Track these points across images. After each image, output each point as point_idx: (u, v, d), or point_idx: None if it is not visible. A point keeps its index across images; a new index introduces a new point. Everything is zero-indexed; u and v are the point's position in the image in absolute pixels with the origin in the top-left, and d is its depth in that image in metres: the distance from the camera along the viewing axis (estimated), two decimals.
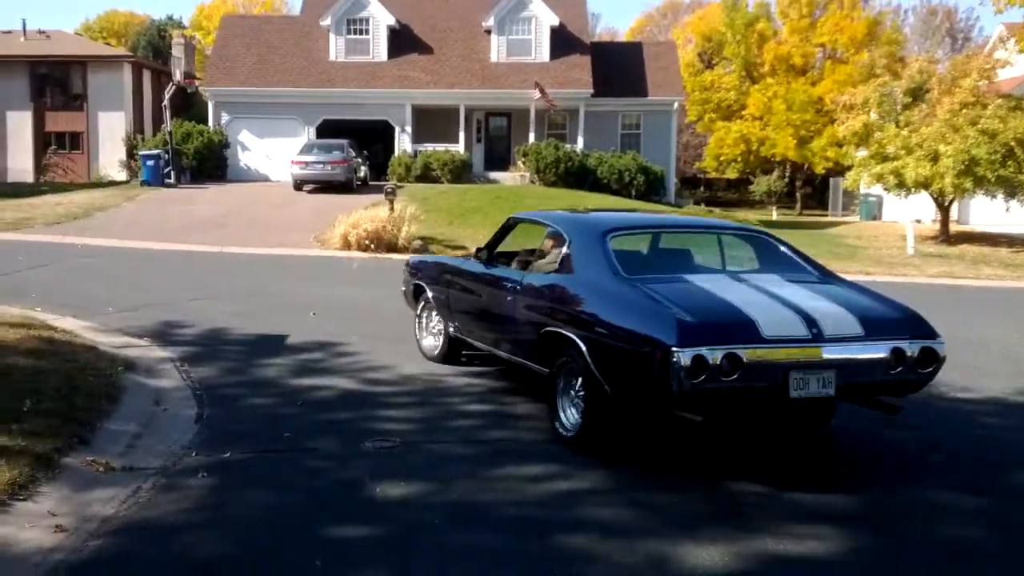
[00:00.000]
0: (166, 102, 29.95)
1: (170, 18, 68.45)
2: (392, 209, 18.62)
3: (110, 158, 36.09)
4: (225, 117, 31.40)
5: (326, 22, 31.85)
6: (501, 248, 7.11)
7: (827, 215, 41.58)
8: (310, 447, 5.57)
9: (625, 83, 32.92)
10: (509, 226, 7.06)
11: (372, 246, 17.49)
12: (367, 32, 32.07)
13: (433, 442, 5.72)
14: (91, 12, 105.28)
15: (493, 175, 30.85)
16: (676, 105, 33.47)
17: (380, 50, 32.01)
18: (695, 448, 5.69)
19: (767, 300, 5.05)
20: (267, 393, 6.82)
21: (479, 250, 7.06)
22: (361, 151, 29.36)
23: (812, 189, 49.14)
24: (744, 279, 5.51)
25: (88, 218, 21.12)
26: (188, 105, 36.79)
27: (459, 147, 30.75)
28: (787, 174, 48.74)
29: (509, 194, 25.48)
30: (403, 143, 31.18)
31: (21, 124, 37.08)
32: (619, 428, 5.38)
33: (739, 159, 46.90)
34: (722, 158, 47.63)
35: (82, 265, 13.45)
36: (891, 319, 5.12)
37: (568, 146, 30.12)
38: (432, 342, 7.88)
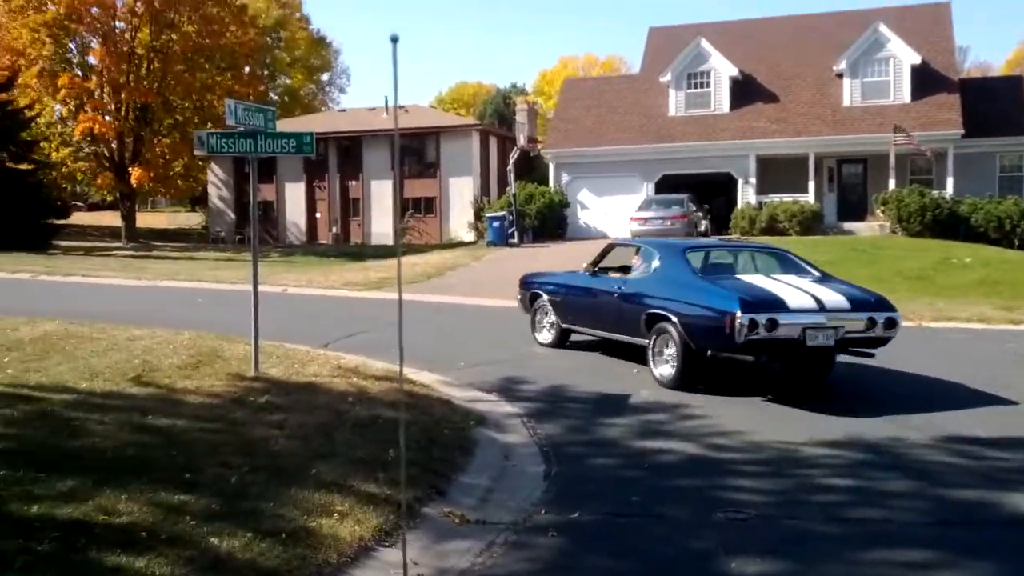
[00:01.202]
0: (510, 166, 32.27)
1: (514, 86, 73.81)
2: None
3: (459, 220, 39.53)
4: (565, 177, 33.06)
5: (666, 78, 32.51)
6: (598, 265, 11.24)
7: None
8: (658, 513, 5.50)
9: (1002, 121, 30.03)
10: (607, 250, 11.35)
11: None
12: (708, 85, 32.24)
13: (791, 517, 5.42)
14: (443, 86, 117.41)
15: (847, 225, 29.29)
16: None
17: (722, 102, 31.99)
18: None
19: (789, 288, 8.80)
20: (612, 453, 6.88)
21: (587, 266, 11.17)
22: (701, 205, 29.35)
23: None
24: (774, 277, 9.45)
25: (440, 277, 23.09)
26: (531, 167, 39.33)
27: (808, 197, 29.65)
28: None
29: (867, 246, 23.95)
30: (746, 195, 30.70)
31: (383, 191, 41.97)
32: (699, 374, 9.09)
33: None
34: None
35: (436, 321, 14.66)
36: (867, 299, 8.89)
37: (935, 192, 27.81)
38: (546, 335, 11.81)
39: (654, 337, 9.51)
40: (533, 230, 31.07)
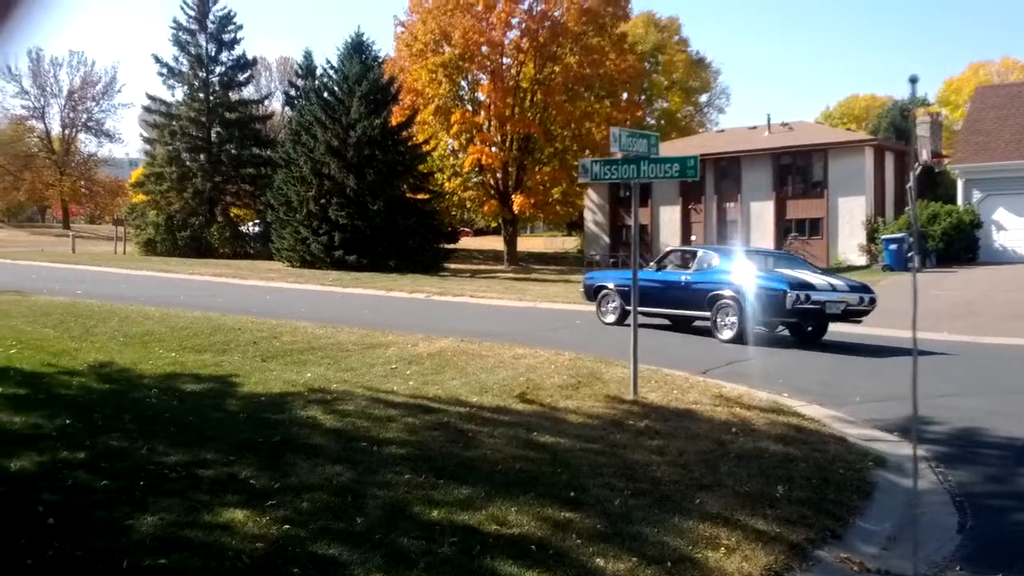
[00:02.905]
0: (911, 183, 29.99)
1: (913, 96, 68.71)
2: None
3: (848, 242, 37.47)
4: (976, 195, 30.08)
5: None
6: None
7: None
8: None
9: None
10: (666, 253, 17.84)
11: None
12: None
13: None
14: (831, 99, 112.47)
15: None
16: None
17: None
18: None
19: (813, 275, 15.45)
20: None
21: (651, 263, 17.73)
22: None
23: None
24: (795, 268, 15.79)
25: None
26: (933, 185, 36.30)
27: None
28: None
29: None
30: None
31: (763, 212, 41.07)
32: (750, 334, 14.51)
33: None
34: None
35: (830, 352, 14.02)
36: (859, 286, 15.52)
37: None
38: (611, 316, 17.32)
39: (715, 311, 15.44)
40: (937, 253, 28.60)
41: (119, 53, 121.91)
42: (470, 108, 45.65)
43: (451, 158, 46.99)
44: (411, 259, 35.30)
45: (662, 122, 65.00)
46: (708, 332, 15.48)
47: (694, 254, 16.87)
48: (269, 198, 40.33)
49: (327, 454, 6.38)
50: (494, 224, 56.52)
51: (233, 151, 48.71)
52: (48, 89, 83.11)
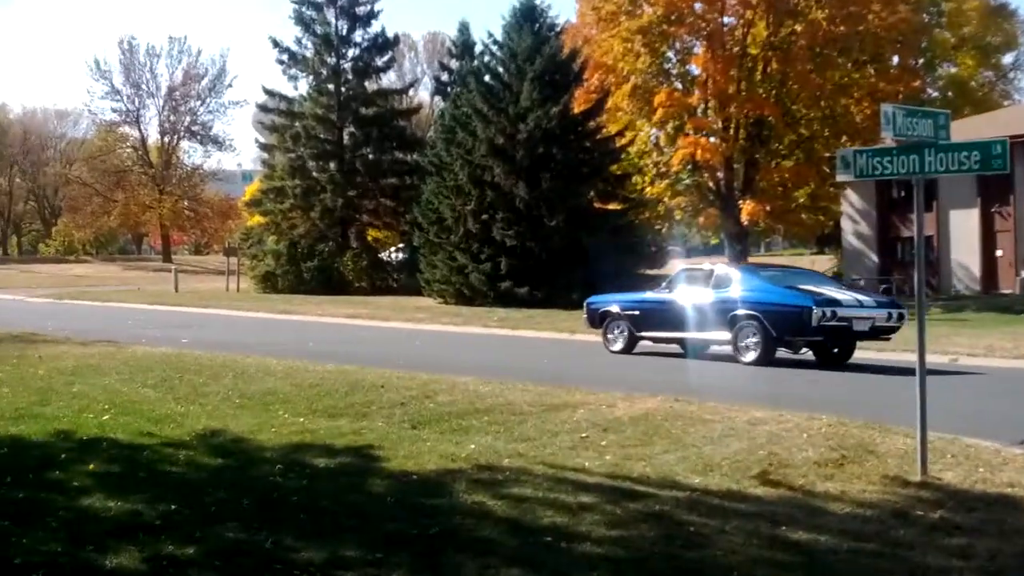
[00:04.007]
0: None
1: None
2: None
3: None
4: None
5: None
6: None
7: None
8: None
9: None
10: (676, 274, 22.31)
11: None
12: None
13: None
14: None
15: None
16: None
17: None
18: None
19: (839, 291, 20.05)
20: None
21: (660, 287, 22.08)
22: None
23: None
24: (819, 285, 20.52)
25: None
26: None
27: None
28: None
29: None
30: None
31: None
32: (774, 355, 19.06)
33: None
34: None
35: None
36: (887, 301, 21.69)
37: None
38: (619, 344, 21.23)
39: (736, 332, 19.12)
40: None
41: (229, 39, 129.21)
42: (679, 86, 45.64)
43: (654, 154, 46.98)
44: (602, 291, 35.31)
45: (949, 94, 62.67)
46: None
47: (711, 272, 20.77)
48: (416, 215, 41.57)
49: (500, 552, 6.44)
50: (715, 241, 56.06)
51: (371, 156, 50.64)
52: (144, 87, 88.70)
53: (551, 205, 36.66)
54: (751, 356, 18.69)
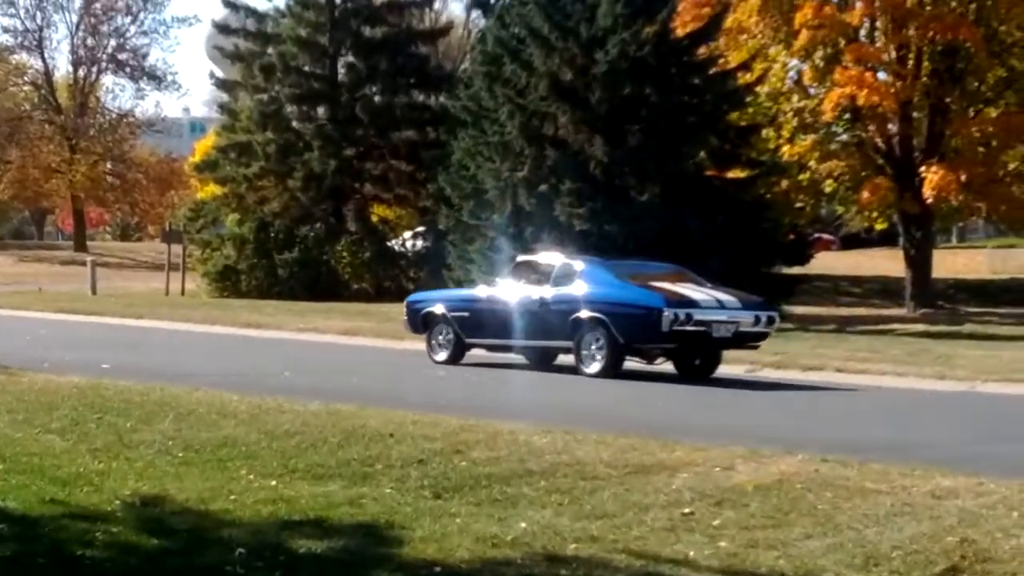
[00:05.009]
0: None
1: None
2: None
3: None
4: None
5: None
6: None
7: None
8: None
9: None
10: (515, 266, 26.60)
11: None
12: None
13: None
14: None
15: None
16: None
17: None
18: None
19: (696, 291, 24.05)
20: None
21: (492, 284, 26.58)
22: None
23: None
24: (677, 282, 24.64)
25: None
26: None
27: None
28: None
29: None
30: None
31: None
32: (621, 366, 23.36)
33: None
34: None
35: None
36: (754, 301, 24.94)
37: None
38: (443, 353, 25.10)
39: (578, 339, 22.80)
40: None
41: None
42: None
43: (795, 97, 46.55)
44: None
45: None
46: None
47: (551, 265, 24.68)
48: (442, 185, 41.46)
49: None
50: (881, 225, 55.35)
51: (377, 99, 50.65)
52: None
53: (642, 171, 36.49)
54: (595, 367, 22.44)
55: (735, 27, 43.34)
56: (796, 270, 40.48)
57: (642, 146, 36.62)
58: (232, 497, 10.61)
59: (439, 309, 25.27)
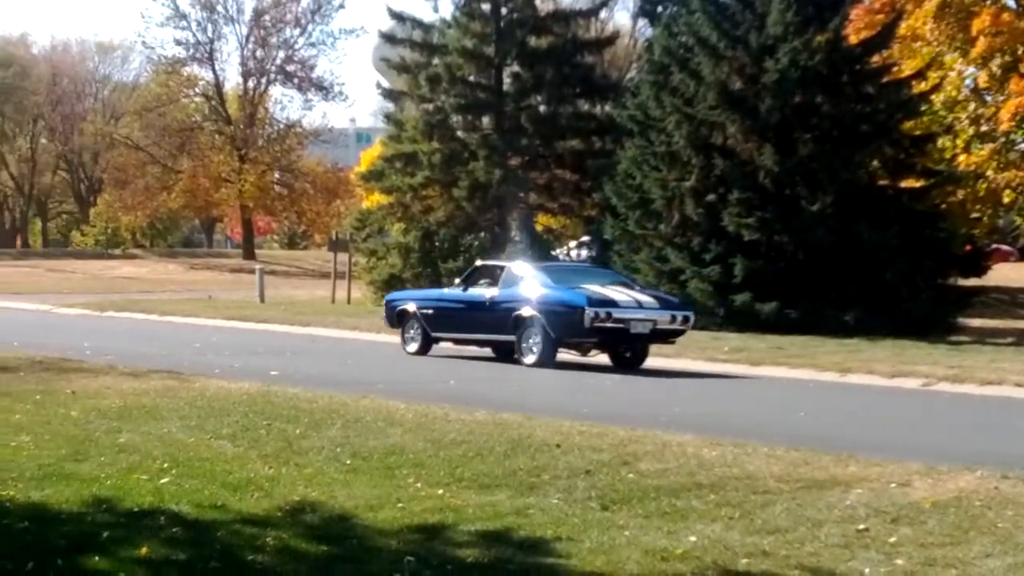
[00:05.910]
0: None
1: None
2: None
3: None
4: None
5: None
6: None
7: None
8: None
9: None
10: (473, 269, 31.54)
11: None
12: None
13: None
14: None
15: None
16: None
17: None
18: None
19: (619, 292, 28.09)
20: None
21: (457, 283, 31.18)
22: None
23: None
24: (607, 285, 28.85)
25: None
26: None
27: None
28: None
29: None
30: None
31: None
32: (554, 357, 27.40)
33: None
34: None
35: None
36: (671, 301, 29.63)
37: None
38: (413, 345, 29.72)
39: (519, 334, 26.66)
40: None
41: None
42: (1012, 3, 44.58)
43: (971, 105, 45.82)
44: (889, 310, 34.70)
45: None
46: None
47: (502, 269, 28.98)
48: (608, 195, 41.51)
49: None
50: None
51: (543, 109, 50.76)
52: (220, 9, 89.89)
53: (813, 181, 36.28)
54: (531, 359, 26.26)
55: (909, 34, 42.74)
56: (972, 282, 39.77)
57: (813, 155, 36.40)
58: (400, 505, 10.69)
59: (411, 307, 29.72)
